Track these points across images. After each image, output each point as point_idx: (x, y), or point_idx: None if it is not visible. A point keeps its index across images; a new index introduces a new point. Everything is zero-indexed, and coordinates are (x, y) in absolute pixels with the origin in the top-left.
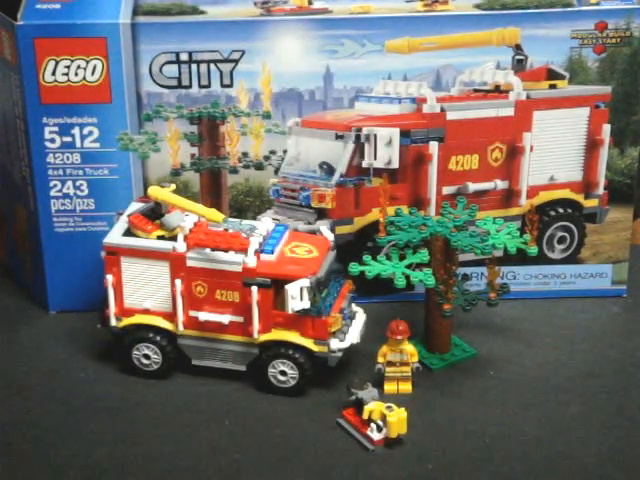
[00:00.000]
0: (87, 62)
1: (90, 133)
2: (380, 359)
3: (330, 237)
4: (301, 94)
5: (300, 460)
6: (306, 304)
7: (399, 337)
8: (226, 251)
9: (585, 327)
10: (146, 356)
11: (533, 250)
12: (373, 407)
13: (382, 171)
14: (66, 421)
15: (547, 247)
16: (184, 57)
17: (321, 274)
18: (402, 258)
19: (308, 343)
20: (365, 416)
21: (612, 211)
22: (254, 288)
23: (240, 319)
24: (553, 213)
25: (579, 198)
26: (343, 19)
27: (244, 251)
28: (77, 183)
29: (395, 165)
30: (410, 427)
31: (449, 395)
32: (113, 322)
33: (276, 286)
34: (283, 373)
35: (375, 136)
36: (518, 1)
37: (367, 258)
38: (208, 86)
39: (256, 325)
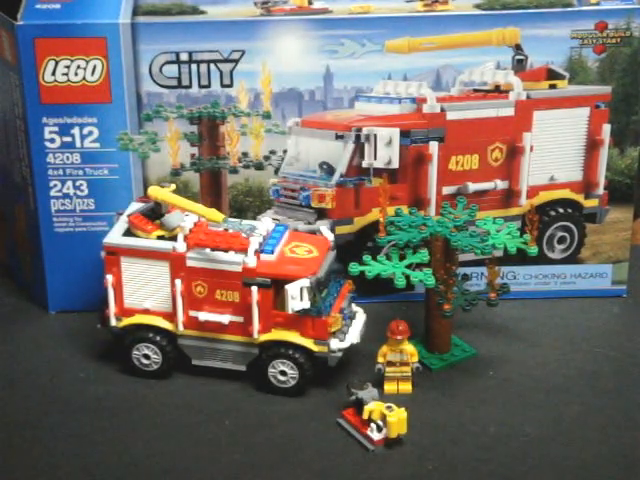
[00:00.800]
0: (87, 62)
1: (90, 133)
2: (380, 359)
3: (330, 237)
4: (301, 94)
5: (300, 460)
6: (306, 304)
7: (399, 337)
8: (226, 251)
9: (585, 327)
10: (146, 356)
11: (533, 250)
12: (373, 407)
13: (382, 171)
14: (66, 421)
15: (547, 247)
16: (184, 57)
17: (321, 274)
18: (402, 258)
19: (308, 343)
20: (365, 416)
21: (612, 211)
22: (254, 288)
23: (240, 319)
24: (553, 213)
25: (579, 198)
26: (343, 19)
27: (244, 251)
28: (77, 183)
29: (395, 165)
30: (410, 427)
31: (449, 395)
32: (113, 322)
33: (276, 286)
34: (283, 373)
35: (375, 136)
36: (518, 1)
37: (367, 258)
38: (208, 86)
39: (256, 325)
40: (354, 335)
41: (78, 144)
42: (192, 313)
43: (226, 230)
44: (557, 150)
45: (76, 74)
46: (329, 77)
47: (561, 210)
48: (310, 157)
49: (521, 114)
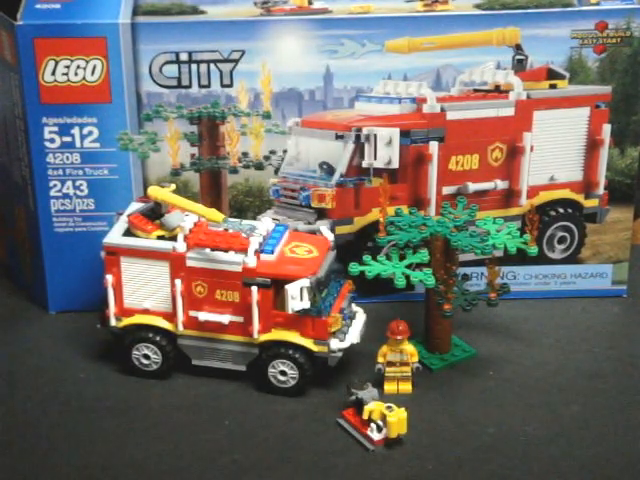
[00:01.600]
0: (87, 62)
1: (90, 133)
2: (380, 359)
3: (330, 237)
4: (301, 94)
5: (300, 460)
6: (306, 304)
7: (399, 337)
8: (226, 251)
9: (585, 327)
10: (146, 356)
11: (533, 250)
12: (373, 407)
13: (382, 171)
14: (66, 421)
15: (547, 247)
16: (184, 57)
17: (321, 274)
18: (402, 258)
19: (308, 343)
20: (365, 416)
21: (612, 211)
22: (254, 288)
23: (240, 319)
24: (553, 213)
25: (579, 198)
26: (343, 19)
27: (244, 251)
28: (77, 183)
29: (395, 165)
30: (410, 427)
31: (449, 395)
32: (113, 322)
33: (276, 286)
34: (283, 373)
35: (375, 136)
36: (518, 1)
37: (367, 258)
38: (208, 86)
39: (256, 325)
40: (354, 335)
41: (78, 144)
42: (192, 313)
43: (226, 230)
44: (557, 150)
45: (76, 74)
46: (329, 77)
47: (561, 210)
48: (310, 157)
49: (521, 114)
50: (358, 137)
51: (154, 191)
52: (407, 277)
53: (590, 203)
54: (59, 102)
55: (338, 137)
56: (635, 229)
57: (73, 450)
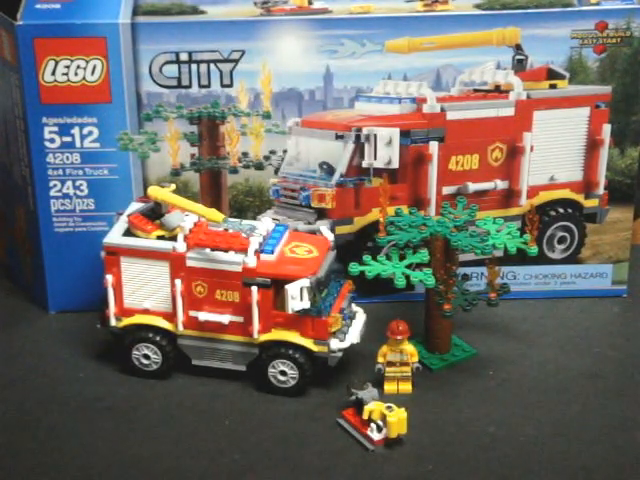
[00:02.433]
0: (87, 62)
1: (90, 133)
2: (380, 359)
3: (330, 237)
4: (301, 94)
5: (300, 460)
6: (306, 304)
7: (399, 337)
8: (226, 251)
9: (585, 327)
10: (146, 356)
11: (533, 250)
12: (373, 407)
13: (382, 171)
14: (66, 421)
15: (547, 247)
16: (184, 57)
17: (321, 274)
18: (402, 258)
19: (308, 343)
20: (365, 416)
21: (612, 211)
22: (254, 288)
23: (240, 319)
24: (553, 213)
25: (579, 198)
26: (343, 19)
27: (244, 251)
28: (77, 183)
29: (395, 165)
30: (410, 427)
31: (449, 395)
32: (113, 322)
33: (276, 286)
34: (283, 373)
35: (375, 136)
36: (518, 1)
37: (367, 258)
38: (208, 86)
39: (256, 325)
40: (354, 335)
41: (78, 144)
42: (192, 313)
43: (226, 230)
44: (557, 150)
45: (76, 74)
46: (329, 77)
47: (561, 210)
48: (310, 157)
49: (521, 114)
50: (358, 137)
51: (154, 191)
52: (407, 277)
53: (590, 203)
54: (59, 102)
55: (338, 137)
56: (635, 229)
57: (73, 450)
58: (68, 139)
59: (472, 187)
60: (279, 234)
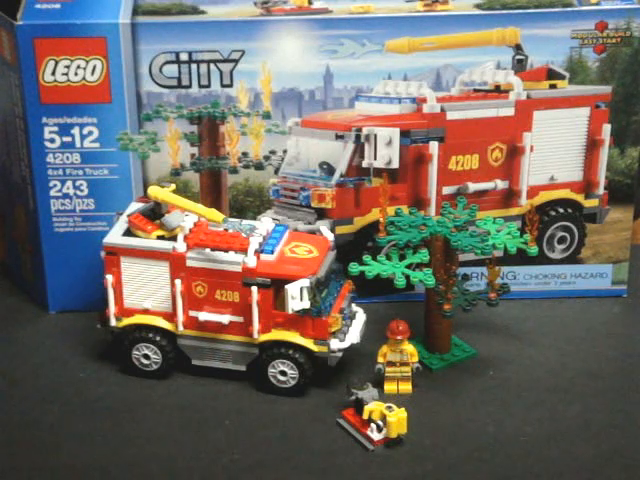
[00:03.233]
0: (87, 62)
1: (90, 133)
2: (380, 359)
3: (330, 237)
4: (301, 94)
5: (300, 460)
6: (306, 304)
7: (399, 337)
8: (226, 251)
9: (585, 327)
10: (146, 356)
11: (533, 250)
12: (373, 407)
13: (382, 171)
14: (66, 421)
15: (547, 247)
16: (184, 57)
17: (321, 274)
18: (402, 258)
19: (308, 343)
20: (365, 416)
21: (612, 211)
22: (254, 288)
23: (240, 319)
24: (553, 213)
25: (579, 198)
26: (343, 19)
27: (244, 251)
28: (77, 183)
29: (395, 165)
30: (410, 427)
31: (449, 395)
32: (113, 322)
33: (276, 286)
34: (283, 373)
35: (375, 136)
36: (518, 1)
37: (367, 258)
38: (208, 86)
39: (256, 325)
40: (354, 335)
41: (78, 144)
42: (192, 313)
43: (226, 230)
44: (557, 150)
45: (76, 74)
46: (329, 77)
47: (561, 210)
48: (310, 157)
49: (521, 114)
50: (358, 137)
51: (154, 191)
52: (407, 277)
53: (590, 203)
54: (59, 102)
55: (338, 137)
56: (635, 229)
57: (73, 450)
58: (68, 139)
59: (472, 187)
60: (279, 234)
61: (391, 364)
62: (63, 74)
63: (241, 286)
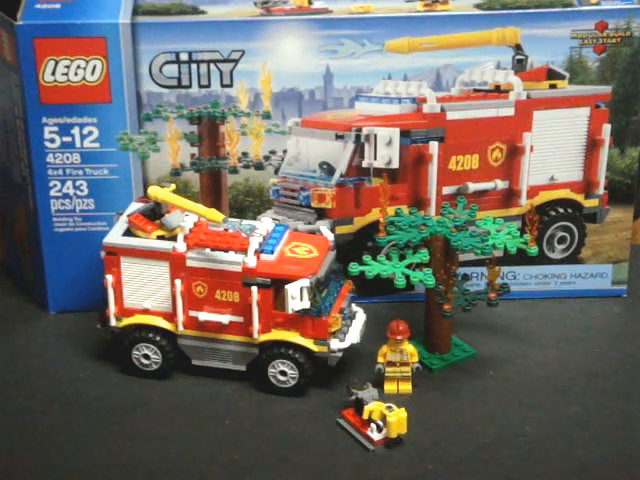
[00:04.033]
0: (87, 62)
1: (90, 133)
2: (380, 359)
3: (330, 237)
4: (301, 94)
5: (300, 460)
6: (306, 304)
7: (399, 337)
8: (226, 251)
9: (585, 327)
10: (146, 356)
11: (533, 250)
12: (373, 407)
13: (382, 171)
14: (66, 421)
15: (547, 247)
16: (184, 57)
17: (321, 274)
18: (402, 258)
19: (308, 343)
20: (365, 416)
21: (612, 211)
22: (254, 288)
23: (240, 319)
24: (553, 213)
25: (579, 198)
26: (343, 19)
27: (244, 251)
28: (77, 183)
29: (395, 165)
30: (410, 427)
31: (449, 395)
32: (113, 322)
33: (276, 286)
34: (283, 373)
35: (375, 136)
36: (518, 1)
37: (367, 258)
38: (208, 86)
39: (256, 325)
40: (354, 335)
41: (78, 144)
42: (192, 313)
43: (226, 230)
44: (557, 150)
45: (76, 74)
46: (329, 77)
47: (561, 210)
48: (310, 157)
49: (521, 114)
50: (358, 137)
51: (154, 191)
52: (407, 277)
53: (590, 203)
54: (59, 102)
55: (338, 137)
56: (635, 229)
57: (73, 450)
58: (68, 139)
59: (472, 187)
60: (279, 234)
61: (391, 364)
62: (63, 74)
63: (241, 286)
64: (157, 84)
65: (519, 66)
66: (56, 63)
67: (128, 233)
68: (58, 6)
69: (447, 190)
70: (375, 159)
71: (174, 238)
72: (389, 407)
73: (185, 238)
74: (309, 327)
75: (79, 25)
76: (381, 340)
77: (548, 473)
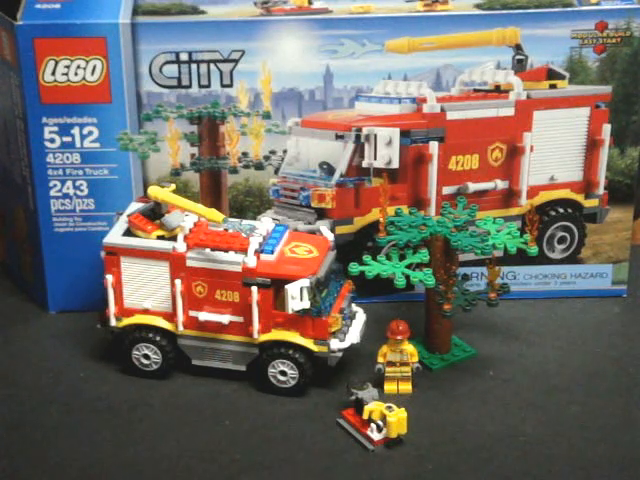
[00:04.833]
0: (87, 62)
1: (90, 133)
2: (380, 359)
3: (330, 237)
4: (301, 94)
5: (300, 460)
6: (306, 304)
7: (399, 337)
8: (226, 251)
9: (585, 327)
10: (146, 356)
11: (533, 250)
12: (373, 407)
13: (382, 171)
14: (66, 421)
15: (547, 247)
16: (184, 57)
17: (321, 274)
18: (402, 258)
19: (308, 343)
20: (365, 416)
21: (612, 211)
22: (254, 288)
23: (240, 319)
24: (553, 213)
25: (579, 198)
26: (343, 19)
27: (244, 251)
28: (77, 183)
29: (395, 165)
30: (410, 427)
31: (449, 395)
32: (113, 322)
33: (276, 286)
34: (283, 373)
35: (375, 136)
36: (518, 1)
37: (367, 258)
38: (208, 86)
39: (256, 325)
40: (354, 335)
41: (78, 144)
42: (192, 313)
43: (226, 230)
44: (557, 150)
45: (76, 74)
46: (329, 77)
47: (561, 210)
48: (310, 157)
49: (521, 114)
50: (358, 137)
51: (154, 191)
52: (407, 277)
53: (590, 203)
54: (59, 102)
55: (338, 137)
56: (635, 229)
57: (73, 450)
58: (68, 139)
59: (472, 187)
60: (279, 234)
61: (391, 364)
62: (63, 74)
63: (241, 286)
64: (157, 84)
65: (519, 66)
66: (56, 63)
67: (128, 233)
68: (58, 6)
69: (447, 190)
70: (375, 159)
71: (174, 238)
72: (389, 407)
73: (185, 238)
74: (309, 327)
75: (79, 25)
76: (381, 340)
77: (548, 473)
